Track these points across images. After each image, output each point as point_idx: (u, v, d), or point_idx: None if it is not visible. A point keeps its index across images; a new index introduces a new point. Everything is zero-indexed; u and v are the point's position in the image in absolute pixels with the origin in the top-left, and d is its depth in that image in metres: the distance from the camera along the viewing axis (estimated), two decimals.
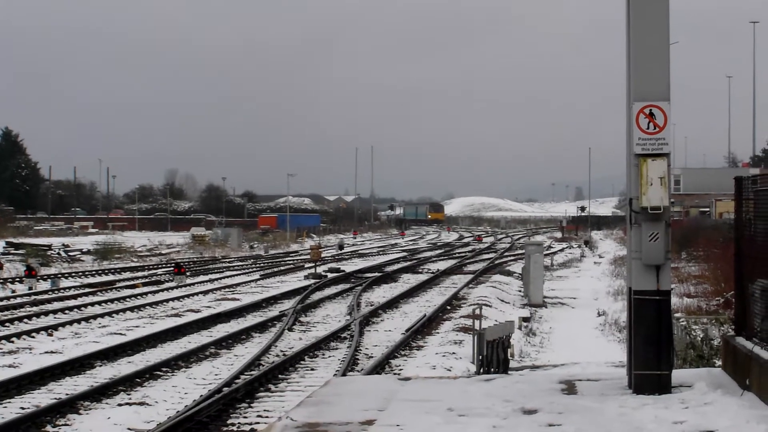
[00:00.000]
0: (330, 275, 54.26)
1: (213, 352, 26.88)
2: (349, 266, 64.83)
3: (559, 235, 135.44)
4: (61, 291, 46.15)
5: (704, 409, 12.98)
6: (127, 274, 58.53)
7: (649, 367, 14.18)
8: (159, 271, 60.62)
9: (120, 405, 19.74)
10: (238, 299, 41.28)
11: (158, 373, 23.37)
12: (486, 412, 13.37)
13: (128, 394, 20.81)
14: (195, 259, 74.85)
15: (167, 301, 41.40)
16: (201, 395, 20.22)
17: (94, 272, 58.82)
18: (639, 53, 14.40)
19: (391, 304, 39.39)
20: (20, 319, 34.16)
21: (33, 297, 42.77)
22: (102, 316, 35.45)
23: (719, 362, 17.92)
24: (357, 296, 41.42)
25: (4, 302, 40.17)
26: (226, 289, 47.29)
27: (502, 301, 41.06)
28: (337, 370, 23.43)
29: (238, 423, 18.08)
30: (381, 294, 44.41)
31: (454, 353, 25.88)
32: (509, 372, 20.83)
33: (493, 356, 21.12)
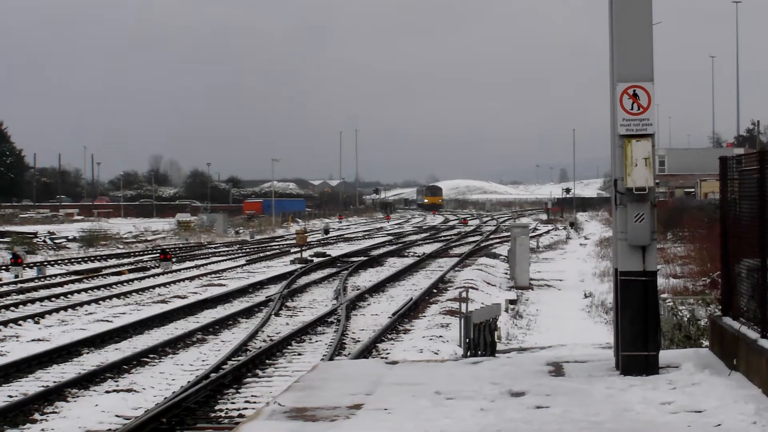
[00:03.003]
0: (316, 260, 54.23)
1: (200, 338, 26.87)
2: (334, 251, 64.81)
3: (544, 217, 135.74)
4: (48, 279, 46.04)
5: (692, 390, 13.02)
6: (113, 261, 58.45)
7: (636, 348, 14.21)
8: (145, 258, 60.50)
9: (108, 392, 19.71)
10: (224, 285, 41.24)
11: (145, 359, 23.34)
12: (473, 394, 13.39)
13: (116, 381, 20.79)
14: (181, 246, 74.76)
15: (154, 287, 41.34)
16: (188, 381, 20.19)
17: (80, 259, 58.69)
18: (622, 34, 14.40)
19: (378, 288, 39.38)
20: (7, 307, 34.07)
21: (19, 285, 42.65)
22: (88, 303, 35.38)
23: (706, 342, 17.97)
24: (343, 280, 41.41)
25: None
26: (213, 275, 47.27)
27: (489, 283, 41.11)
28: (324, 355, 23.44)
29: (226, 409, 18.07)
30: (367, 278, 44.40)
31: (441, 336, 25.90)
32: (496, 355, 20.86)
33: (480, 339, 21.14)
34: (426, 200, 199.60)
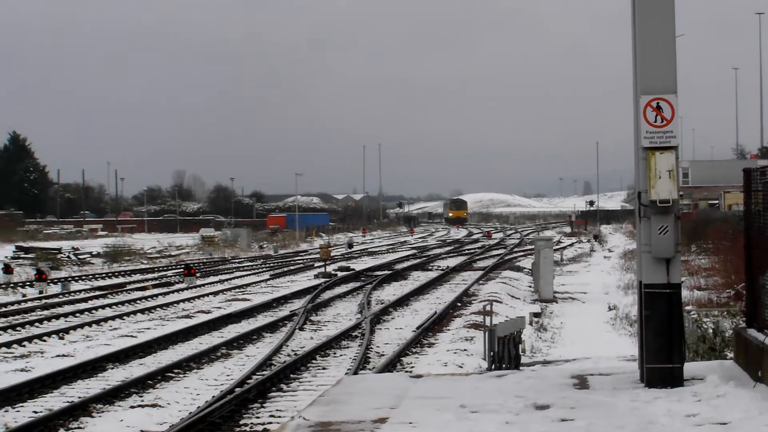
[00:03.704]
0: (340, 274, 54.27)
1: (224, 352, 26.90)
2: (358, 264, 64.85)
3: (568, 230, 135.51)
4: (72, 294, 46.21)
5: (717, 402, 12.97)
6: (137, 276, 58.59)
7: (660, 361, 14.16)
8: (169, 273, 60.69)
9: (132, 407, 19.76)
10: (248, 299, 41.30)
11: (170, 374, 23.39)
12: (498, 408, 13.37)
13: (140, 396, 20.84)
14: (205, 260, 74.93)
15: (178, 302, 41.44)
16: (213, 396, 20.24)
17: (104, 275, 58.90)
18: (645, 46, 14.39)
19: (402, 301, 39.38)
20: (31, 322, 34.21)
21: (44, 301, 42.82)
22: (113, 318, 35.50)
23: (731, 354, 17.89)
24: (367, 294, 41.40)
25: (16, 306, 40.27)
26: (237, 290, 47.33)
27: (513, 296, 41.02)
28: (348, 369, 23.44)
29: (251, 423, 18.10)
30: (391, 292, 44.40)
31: (465, 350, 25.87)
32: (521, 368, 20.80)
33: (505, 352, 21.10)
34: (451, 214, 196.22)
